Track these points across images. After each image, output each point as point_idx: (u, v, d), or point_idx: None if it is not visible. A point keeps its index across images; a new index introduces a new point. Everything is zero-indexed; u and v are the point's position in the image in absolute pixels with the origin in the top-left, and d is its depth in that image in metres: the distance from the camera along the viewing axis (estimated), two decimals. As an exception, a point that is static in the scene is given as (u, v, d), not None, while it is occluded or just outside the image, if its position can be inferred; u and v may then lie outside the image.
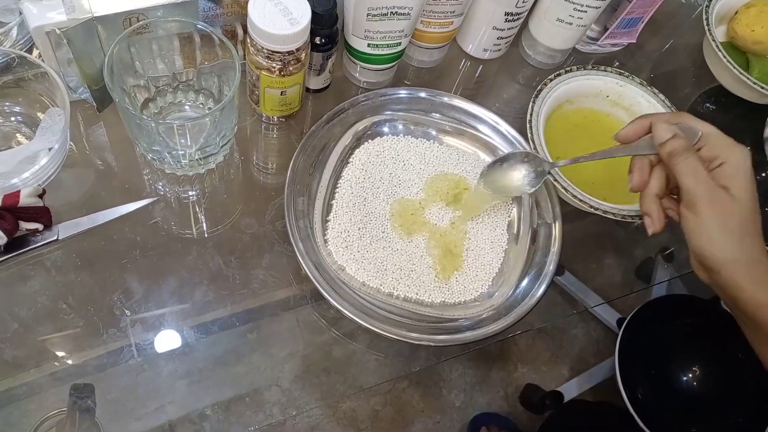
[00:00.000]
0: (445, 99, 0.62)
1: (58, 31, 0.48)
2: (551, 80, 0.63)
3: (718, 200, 0.45)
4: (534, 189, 0.56)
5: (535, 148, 0.59)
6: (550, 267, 0.57)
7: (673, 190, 0.51)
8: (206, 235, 0.57)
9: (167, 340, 0.53)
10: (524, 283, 0.57)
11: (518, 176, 0.56)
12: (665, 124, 0.48)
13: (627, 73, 0.66)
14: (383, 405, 1.27)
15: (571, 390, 1.28)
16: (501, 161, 0.57)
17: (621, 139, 0.52)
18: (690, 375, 1.05)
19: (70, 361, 0.51)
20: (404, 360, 0.58)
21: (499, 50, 0.70)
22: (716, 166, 0.47)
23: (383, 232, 0.57)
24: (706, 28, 0.72)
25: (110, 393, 0.51)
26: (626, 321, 1.11)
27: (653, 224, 0.49)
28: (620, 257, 0.71)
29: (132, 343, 0.52)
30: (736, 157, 0.46)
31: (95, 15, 0.49)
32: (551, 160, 0.57)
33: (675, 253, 0.74)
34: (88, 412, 0.50)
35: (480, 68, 0.72)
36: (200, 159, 0.55)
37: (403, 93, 0.62)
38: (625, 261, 0.70)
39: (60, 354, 0.51)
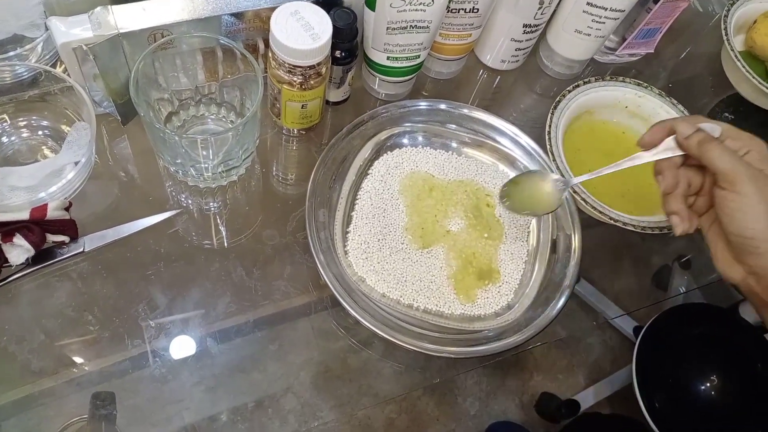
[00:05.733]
0: (465, 111, 0.63)
1: (84, 47, 0.49)
2: (570, 91, 0.63)
3: (759, 177, 0.45)
4: (558, 207, 0.57)
5: (554, 160, 0.59)
6: (570, 279, 0.57)
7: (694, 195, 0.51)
8: (229, 246, 0.58)
9: (188, 349, 0.53)
10: (545, 294, 0.57)
11: (543, 192, 0.56)
12: (686, 122, 0.49)
13: (645, 84, 0.66)
14: (398, 413, 1.27)
15: (587, 398, 1.27)
16: (519, 180, 0.58)
17: (645, 144, 0.51)
18: (708, 384, 1.04)
19: (91, 369, 0.52)
20: (421, 370, 0.59)
21: (516, 61, 0.70)
22: (744, 153, 0.47)
23: (402, 244, 0.58)
24: (724, 37, 0.72)
25: (130, 400, 0.51)
26: (643, 330, 1.10)
27: (682, 223, 0.49)
28: (636, 265, 0.70)
29: (152, 352, 0.52)
30: (761, 145, 0.48)
31: (121, 31, 0.50)
32: (571, 174, 0.58)
33: (692, 260, 0.74)
34: (108, 420, 0.50)
35: (497, 79, 0.73)
36: (223, 172, 0.56)
37: (422, 105, 0.62)
38: (641, 269, 0.70)
39: (82, 362, 0.52)
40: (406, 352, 0.56)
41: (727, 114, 0.77)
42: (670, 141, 0.50)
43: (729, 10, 0.74)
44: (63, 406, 0.51)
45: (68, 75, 0.53)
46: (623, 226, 0.57)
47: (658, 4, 0.64)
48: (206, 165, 0.54)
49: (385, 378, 0.58)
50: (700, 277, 0.76)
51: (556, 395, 1.29)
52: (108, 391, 0.51)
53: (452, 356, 0.53)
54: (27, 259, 0.51)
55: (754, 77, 0.70)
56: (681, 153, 0.49)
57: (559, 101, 0.62)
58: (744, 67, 0.70)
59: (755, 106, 0.75)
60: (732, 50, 0.71)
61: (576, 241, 0.59)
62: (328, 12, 0.52)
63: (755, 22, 0.74)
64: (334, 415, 0.56)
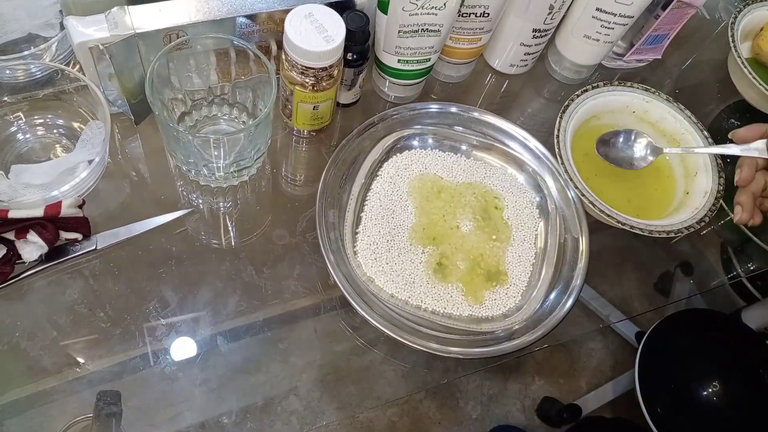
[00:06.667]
0: (475, 114, 0.63)
1: (101, 47, 0.50)
2: (578, 95, 0.64)
3: None
4: (645, 165, 0.61)
5: (562, 164, 0.59)
6: (577, 281, 0.58)
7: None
8: (239, 245, 0.58)
9: (197, 349, 0.54)
10: (552, 297, 0.57)
11: (634, 151, 0.62)
12: None
13: (653, 89, 0.66)
14: (400, 416, 1.27)
15: (589, 403, 1.27)
16: (614, 136, 0.62)
17: (738, 138, 0.56)
18: (710, 390, 1.04)
19: (99, 368, 0.52)
20: (425, 371, 0.59)
21: (525, 65, 0.71)
22: None
23: (411, 245, 0.58)
24: (731, 44, 0.72)
25: (135, 399, 0.52)
26: (646, 335, 1.11)
27: (743, 213, 0.53)
28: (639, 270, 0.71)
29: (160, 351, 0.53)
30: None
31: (137, 31, 0.50)
32: (580, 178, 0.59)
33: (694, 266, 0.74)
34: (114, 419, 0.51)
35: (506, 83, 0.73)
36: (234, 172, 0.56)
37: (432, 108, 0.63)
38: (643, 274, 0.71)
39: (91, 360, 0.52)
40: (411, 354, 0.56)
41: (733, 120, 0.78)
42: (761, 143, 0.54)
43: (736, 17, 0.74)
44: (68, 404, 0.51)
45: (83, 74, 0.54)
46: (630, 230, 0.58)
47: (667, 10, 0.64)
48: (218, 165, 0.55)
49: (388, 380, 0.58)
50: (702, 282, 0.76)
51: (557, 399, 1.29)
52: (114, 389, 0.51)
53: (460, 357, 0.53)
54: (40, 256, 0.51)
55: (760, 84, 0.71)
56: (764, 156, 0.53)
57: (568, 105, 0.62)
58: (751, 73, 0.71)
59: (761, 113, 0.76)
60: (739, 57, 0.71)
61: (583, 245, 0.59)
62: (341, 15, 0.53)
63: (762, 29, 0.75)
64: (336, 418, 0.56)
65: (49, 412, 0.51)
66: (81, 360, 0.52)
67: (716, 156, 0.64)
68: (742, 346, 1.08)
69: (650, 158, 0.61)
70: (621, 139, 0.62)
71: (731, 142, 0.60)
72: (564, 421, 1.23)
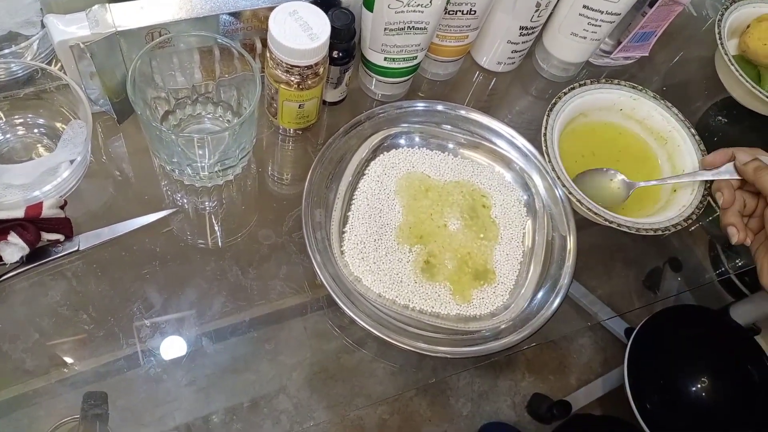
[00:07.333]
0: (462, 112, 0.63)
1: (81, 45, 0.49)
2: (565, 93, 0.63)
3: None
4: (621, 203, 0.61)
5: (549, 162, 0.59)
6: (565, 280, 0.57)
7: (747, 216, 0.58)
8: (225, 245, 0.58)
9: (182, 349, 0.53)
10: (539, 295, 0.57)
11: (610, 188, 0.62)
12: (746, 152, 0.58)
13: (640, 87, 0.66)
14: (390, 414, 1.27)
15: (578, 399, 1.28)
16: (589, 174, 0.62)
17: (707, 164, 0.60)
18: (699, 386, 1.05)
19: (84, 369, 0.52)
20: (414, 370, 0.59)
21: (512, 63, 0.71)
22: None
23: (398, 244, 0.58)
24: (718, 41, 0.72)
25: (122, 400, 0.51)
26: (635, 331, 1.11)
27: (738, 233, 0.56)
28: (627, 267, 0.71)
29: (146, 352, 0.52)
30: None
31: (118, 29, 0.50)
32: (567, 177, 0.59)
33: (683, 262, 0.74)
34: (100, 420, 0.50)
35: (493, 81, 0.73)
36: (219, 171, 0.55)
37: (419, 106, 0.63)
38: (632, 271, 0.71)
39: (75, 362, 0.52)
40: (401, 352, 0.56)
41: (720, 117, 0.78)
42: (729, 165, 0.58)
43: (723, 14, 0.74)
44: (54, 405, 0.50)
45: (64, 73, 0.53)
46: (618, 228, 0.58)
47: (654, 8, 0.64)
48: (202, 164, 0.54)
49: (378, 378, 0.58)
50: (691, 279, 0.76)
51: (547, 396, 1.30)
52: (100, 390, 0.51)
53: (448, 356, 0.53)
54: (21, 258, 0.51)
55: (747, 81, 0.71)
56: (738, 177, 0.57)
57: (555, 103, 0.62)
58: (737, 71, 0.71)
59: (748, 110, 0.76)
60: (725, 54, 0.71)
61: (571, 243, 0.59)
62: (326, 12, 0.53)
63: (748, 26, 0.75)
64: (326, 416, 0.56)
65: (35, 414, 0.50)
66: (66, 361, 0.51)
67: (703, 153, 0.64)
68: (730, 342, 1.09)
69: (624, 195, 0.61)
70: (596, 178, 0.62)
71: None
72: (554, 418, 1.23)
